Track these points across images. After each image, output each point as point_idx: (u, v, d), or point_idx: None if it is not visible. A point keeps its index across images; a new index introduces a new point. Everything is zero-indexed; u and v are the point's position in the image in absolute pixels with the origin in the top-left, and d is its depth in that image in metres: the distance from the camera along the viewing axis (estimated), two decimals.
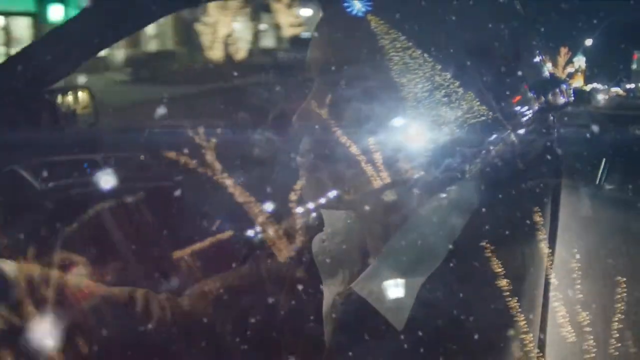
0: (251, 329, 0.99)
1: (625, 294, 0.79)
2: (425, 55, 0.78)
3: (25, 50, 1.69)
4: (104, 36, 1.55)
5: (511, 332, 0.74)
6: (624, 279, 0.75)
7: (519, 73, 0.86)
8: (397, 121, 0.79)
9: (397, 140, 0.79)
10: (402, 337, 0.77)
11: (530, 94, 0.87)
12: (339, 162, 0.82)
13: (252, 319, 1.00)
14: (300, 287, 0.96)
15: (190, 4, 1.80)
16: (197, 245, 0.90)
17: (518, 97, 0.84)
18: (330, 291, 0.91)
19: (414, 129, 0.80)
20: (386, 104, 0.79)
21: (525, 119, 0.85)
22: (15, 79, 1.60)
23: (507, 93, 0.83)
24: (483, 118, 0.80)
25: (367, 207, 0.84)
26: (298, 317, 0.95)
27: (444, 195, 0.82)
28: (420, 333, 0.75)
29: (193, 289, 1.08)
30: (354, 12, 0.77)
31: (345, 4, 0.83)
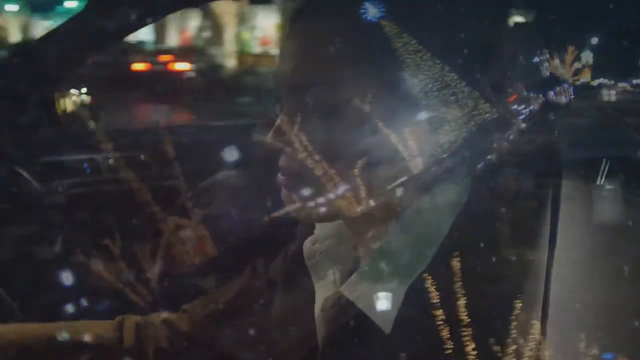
0: (250, 338, 1.00)
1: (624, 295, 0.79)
2: (435, 57, 0.78)
3: (25, 50, 1.69)
4: (103, 36, 1.55)
5: (506, 335, 0.73)
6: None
7: (516, 72, 0.86)
8: (388, 131, 0.78)
9: (389, 148, 0.79)
10: (391, 339, 0.77)
11: (527, 93, 0.86)
12: (323, 178, 0.81)
13: (249, 326, 1.00)
14: (292, 290, 0.96)
15: (190, 4, 1.79)
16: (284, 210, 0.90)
17: (514, 96, 0.84)
18: (321, 294, 0.91)
19: (402, 137, 0.79)
20: (373, 118, 0.79)
21: (521, 117, 0.85)
22: (15, 78, 1.60)
23: (504, 92, 0.83)
24: (487, 116, 0.79)
25: (356, 218, 0.84)
26: (290, 320, 0.95)
27: (432, 194, 0.81)
28: (409, 335, 0.75)
29: (192, 304, 1.08)
30: (369, 17, 0.77)
31: (317, 14, 0.82)
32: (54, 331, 1.00)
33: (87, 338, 0.99)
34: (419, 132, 0.79)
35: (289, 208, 0.84)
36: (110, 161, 1.93)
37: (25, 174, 1.72)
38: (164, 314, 1.07)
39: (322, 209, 0.83)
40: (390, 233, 0.82)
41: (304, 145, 0.80)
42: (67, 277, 1.27)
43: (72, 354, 0.98)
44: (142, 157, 1.85)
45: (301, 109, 0.81)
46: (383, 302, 0.79)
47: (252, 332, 1.00)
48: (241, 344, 1.01)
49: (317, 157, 0.79)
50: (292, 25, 0.85)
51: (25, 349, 0.96)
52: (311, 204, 0.82)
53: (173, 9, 1.74)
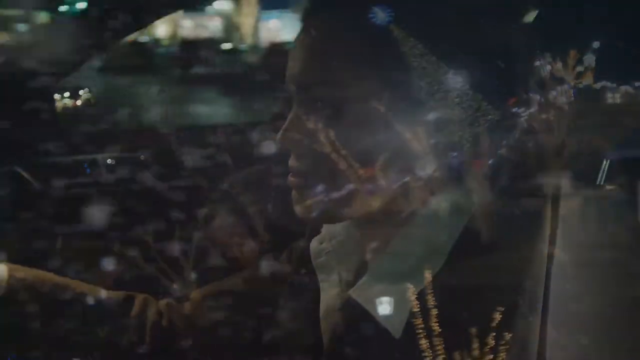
0: (251, 333, 1.00)
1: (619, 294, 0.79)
2: (440, 60, 0.79)
3: (25, 49, 1.69)
4: (103, 36, 1.56)
5: (511, 336, 0.73)
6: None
7: (517, 75, 0.85)
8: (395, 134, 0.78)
9: (398, 148, 0.79)
10: (400, 343, 0.77)
11: (527, 95, 0.86)
12: (332, 178, 0.81)
13: (252, 322, 1.00)
14: (298, 289, 0.96)
15: (189, 4, 1.80)
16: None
17: (515, 99, 0.84)
18: (327, 294, 0.90)
19: (412, 138, 0.79)
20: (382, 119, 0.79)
21: (523, 119, 0.85)
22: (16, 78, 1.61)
23: (505, 94, 0.83)
24: (490, 117, 0.79)
25: (364, 219, 0.83)
26: (296, 320, 0.95)
27: (443, 198, 0.81)
28: (418, 339, 0.75)
29: (195, 293, 1.08)
30: (377, 21, 0.77)
31: (331, 13, 0.82)
32: (69, 284, 1.02)
33: (98, 297, 1.02)
34: (425, 133, 0.79)
35: (301, 207, 0.84)
36: (109, 161, 1.96)
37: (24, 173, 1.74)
38: (170, 299, 1.10)
39: (332, 210, 0.82)
40: (401, 236, 0.82)
41: (314, 144, 0.80)
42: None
43: (81, 308, 1.00)
44: (142, 157, 1.87)
45: (310, 107, 0.81)
46: (393, 306, 0.78)
47: (253, 325, 1.00)
48: (241, 336, 1.01)
49: (327, 157, 0.80)
50: (303, 24, 0.86)
51: (35, 292, 0.98)
52: (321, 204, 0.82)
53: (169, 11, 1.75)
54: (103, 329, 1.00)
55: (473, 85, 0.79)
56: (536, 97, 0.90)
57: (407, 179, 0.80)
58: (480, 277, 0.77)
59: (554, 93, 0.96)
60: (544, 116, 0.92)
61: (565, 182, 0.87)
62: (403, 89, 0.79)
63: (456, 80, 0.79)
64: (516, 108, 0.85)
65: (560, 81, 0.97)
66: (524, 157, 0.85)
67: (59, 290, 0.99)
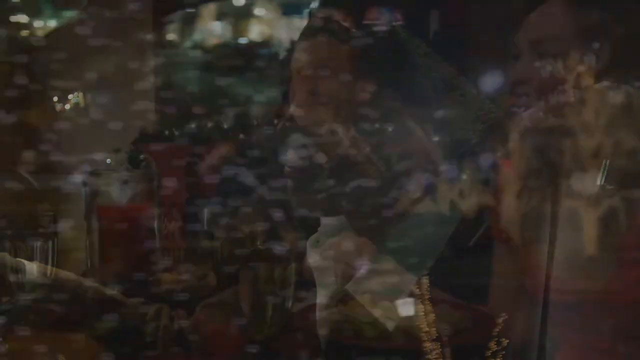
0: (249, 334, 1.00)
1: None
2: (444, 60, 0.78)
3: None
4: None
5: (509, 332, 0.73)
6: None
7: (517, 74, 0.86)
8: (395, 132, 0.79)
9: (398, 144, 0.80)
10: (395, 339, 0.78)
11: (527, 95, 0.86)
12: (332, 173, 0.82)
13: (250, 324, 1.01)
14: (295, 288, 0.97)
15: None
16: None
17: (513, 98, 0.84)
18: (323, 292, 0.91)
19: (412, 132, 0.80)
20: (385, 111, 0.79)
21: (523, 118, 0.85)
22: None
23: (502, 94, 0.83)
24: (492, 115, 0.80)
25: (360, 212, 0.84)
26: (292, 319, 0.96)
27: (442, 196, 0.81)
28: (415, 335, 0.75)
29: (200, 305, 1.10)
30: (382, 22, 0.78)
31: (338, 10, 0.83)
32: (90, 285, 1.07)
33: (117, 299, 1.08)
34: (430, 130, 0.79)
35: (297, 199, 0.85)
36: (108, 161, 1.96)
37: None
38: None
39: (328, 201, 0.83)
40: (397, 233, 0.83)
41: (315, 137, 0.81)
42: None
43: (100, 306, 1.04)
44: (142, 157, 1.87)
45: (313, 100, 0.82)
46: (388, 299, 0.79)
47: (251, 327, 1.01)
48: (240, 337, 1.02)
49: (329, 151, 0.80)
50: (310, 20, 0.87)
51: (60, 288, 1.02)
52: (318, 196, 0.83)
53: None
54: (120, 326, 1.04)
55: (475, 85, 0.80)
56: (534, 97, 0.90)
57: (409, 177, 0.80)
58: (475, 275, 0.77)
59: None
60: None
61: (564, 182, 0.87)
62: (409, 87, 0.79)
63: (461, 80, 0.79)
64: (513, 107, 0.85)
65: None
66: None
67: (81, 289, 1.04)
